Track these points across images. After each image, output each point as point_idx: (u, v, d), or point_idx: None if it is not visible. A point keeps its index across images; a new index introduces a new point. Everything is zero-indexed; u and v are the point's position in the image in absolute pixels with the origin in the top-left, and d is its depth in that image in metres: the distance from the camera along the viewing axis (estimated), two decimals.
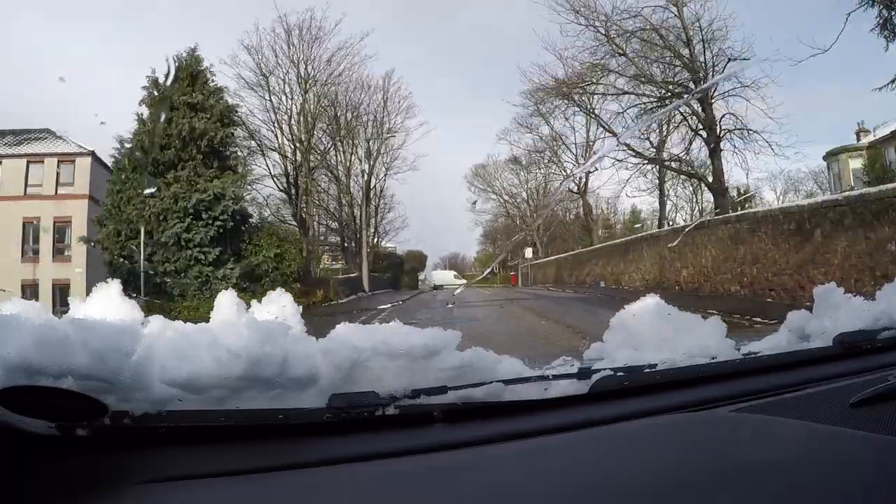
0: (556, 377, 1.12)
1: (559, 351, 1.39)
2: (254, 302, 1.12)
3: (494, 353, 1.15)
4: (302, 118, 31.90)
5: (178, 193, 19.18)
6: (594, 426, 0.98)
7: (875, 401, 0.93)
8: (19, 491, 0.77)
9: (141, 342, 0.94)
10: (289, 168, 31.71)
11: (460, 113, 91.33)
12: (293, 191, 31.18)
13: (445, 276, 50.92)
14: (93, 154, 27.05)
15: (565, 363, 1.26)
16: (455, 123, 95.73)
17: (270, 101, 31.10)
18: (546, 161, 44.72)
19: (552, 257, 42.76)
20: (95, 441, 0.85)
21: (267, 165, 30.98)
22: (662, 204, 37.93)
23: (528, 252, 47.18)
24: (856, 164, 29.65)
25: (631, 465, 0.83)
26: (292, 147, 31.95)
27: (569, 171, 43.51)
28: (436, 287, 46.21)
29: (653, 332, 1.32)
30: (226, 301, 1.10)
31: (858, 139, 30.72)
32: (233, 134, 21.95)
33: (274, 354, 0.94)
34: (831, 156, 31.10)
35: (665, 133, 29.47)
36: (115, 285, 1.08)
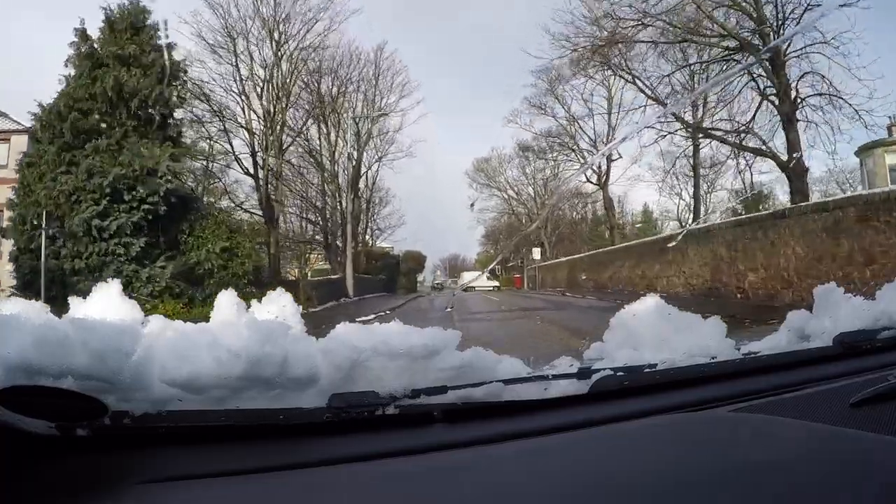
0: (556, 377, 1.12)
1: (559, 351, 1.39)
2: (254, 302, 1.12)
3: (494, 353, 1.15)
4: (271, 86, 26.66)
5: (92, 167, 14.25)
6: (594, 426, 0.98)
7: (875, 401, 0.93)
8: (19, 491, 0.77)
9: (141, 342, 0.94)
10: (256, 145, 26.27)
11: (460, 113, 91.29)
12: (259, 173, 25.97)
13: (477, 278, 46.23)
14: (30, 131, 21.12)
15: (565, 363, 1.26)
16: (455, 123, 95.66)
17: (237, 66, 26.01)
18: (560, 146, 39.48)
19: (564, 258, 36.84)
20: (95, 441, 0.85)
21: (230, 143, 25.73)
22: (697, 188, 32.59)
23: (536, 253, 42.77)
24: (892, 159, 26.45)
25: (631, 465, 0.83)
26: (262, 121, 26.61)
27: (586, 159, 37.87)
28: (466, 289, 43.62)
29: (653, 332, 1.32)
30: (226, 301, 1.10)
31: (890, 133, 26.79)
32: (182, 98, 17.42)
33: (274, 354, 0.94)
34: (864, 151, 26.95)
35: (705, 100, 24.25)
36: (115, 285, 1.08)
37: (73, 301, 1.05)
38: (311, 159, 33.22)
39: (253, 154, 26.22)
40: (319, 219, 35.26)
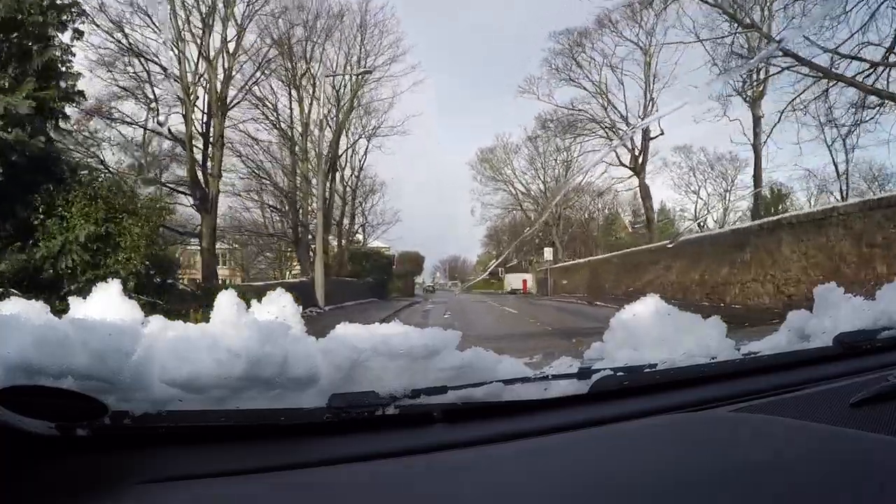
0: (556, 377, 1.12)
1: (559, 351, 1.39)
2: (254, 301, 1.12)
3: (494, 353, 1.15)
4: (210, 20, 19.63)
5: None
6: (594, 426, 0.99)
7: (875, 401, 0.93)
8: (19, 491, 0.77)
9: (141, 342, 0.94)
10: (188, 101, 19.16)
11: (460, 112, 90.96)
12: (190, 136, 18.76)
13: (522, 280, 43.95)
14: None
15: (565, 363, 1.26)
16: (455, 123, 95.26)
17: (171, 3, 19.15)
18: (585, 121, 32.66)
19: (584, 259, 31.28)
20: (95, 441, 0.85)
21: (154, 98, 19.55)
22: (758, 165, 24.59)
23: (548, 253, 37.57)
24: None
25: (631, 465, 0.83)
26: (194, 69, 19.49)
27: (619, 134, 30.64)
28: (512, 291, 40.47)
29: (653, 332, 1.32)
30: (225, 301, 1.10)
31: None
32: (79, 32, 11.94)
33: (274, 354, 0.94)
34: None
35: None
36: (115, 285, 1.08)
37: (73, 301, 1.05)
38: (272, 126, 26.00)
39: (186, 114, 19.13)
40: (287, 206, 27.38)
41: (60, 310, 0.94)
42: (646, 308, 1.38)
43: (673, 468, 0.81)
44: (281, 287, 1.15)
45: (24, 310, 0.96)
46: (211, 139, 19.69)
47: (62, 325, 0.91)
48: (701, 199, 38.95)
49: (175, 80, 19.60)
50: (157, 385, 0.92)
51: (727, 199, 37.20)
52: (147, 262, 10.42)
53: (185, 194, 19.43)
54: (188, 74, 19.63)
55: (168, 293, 11.14)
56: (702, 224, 33.19)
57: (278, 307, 1.10)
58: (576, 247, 41.39)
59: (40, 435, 0.80)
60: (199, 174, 19.14)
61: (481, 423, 1.00)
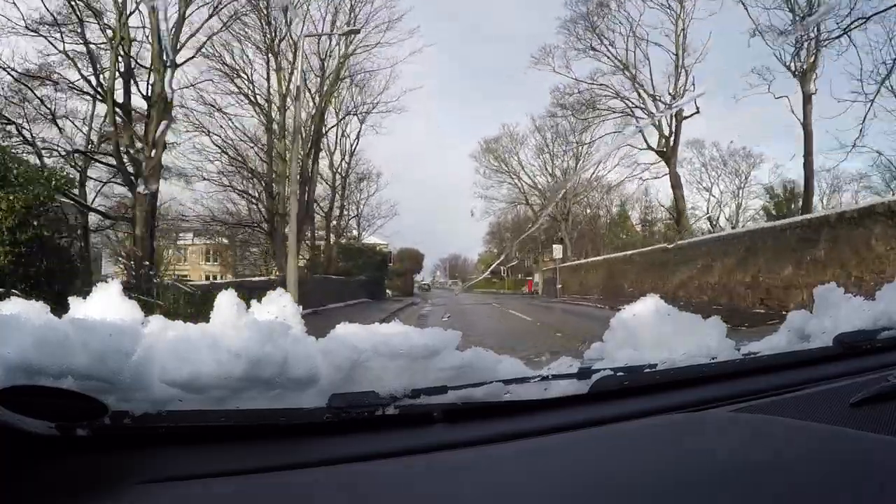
0: (556, 377, 1.12)
1: (559, 351, 1.39)
2: (254, 302, 1.12)
3: (494, 353, 1.15)
4: None
5: None
6: (594, 426, 0.99)
7: (875, 401, 0.93)
8: (19, 491, 0.77)
9: (141, 342, 0.94)
10: (113, 48, 14.60)
11: (462, 98, 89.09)
12: (113, 90, 14.39)
13: (528, 280, 42.23)
14: None
15: (565, 363, 1.26)
16: (457, 111, 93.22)
17: None
18: (606, 97, 28.23)
19: (600, 258, 27.38)
20: (95, 441, 0.85)
21: (84, 41, 15.50)
22: (809, 145, 20.66)
23: (557, 250, 33.59)
24: None
25: (631, 465, 0.83)
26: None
27: (649, 111, 25.78)
28: (531, 292, 38.74)
29: (653, 332, 1.32)
30: (225, 301, 1.10)
31: None
32: None
33: (274, 355, 0.94)
34: None
35: None
36: (115, 285, 1.08)
37: (73, 301, 1.06)
38: (251, 101, 22.08)
39: (129, 69, 14.93)
40: (262, 191, 22.99)
41: None
42: (646, 308, 1.38)
43: (673, 468, 0.81)
44: (279, 288, 1.15)
45: (25, 310, 0.96)
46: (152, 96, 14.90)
47: (62, 326, 0.91)
48: (714, 196, 37.16)
49: (101, 24, 15.63)
50: (157, 385, 0.92)
51: (740, 195, 35.78)
52: (15, 252, 7.41)
53: (110, 165, 15.45)
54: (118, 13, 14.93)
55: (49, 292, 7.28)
56: (713, 221, 32.62)
57: (278, 307, 1.10)
58: (583, 245, 38.49)
59: (40, 435, 0.80)
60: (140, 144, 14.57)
61: (481, 423, 1.00)
